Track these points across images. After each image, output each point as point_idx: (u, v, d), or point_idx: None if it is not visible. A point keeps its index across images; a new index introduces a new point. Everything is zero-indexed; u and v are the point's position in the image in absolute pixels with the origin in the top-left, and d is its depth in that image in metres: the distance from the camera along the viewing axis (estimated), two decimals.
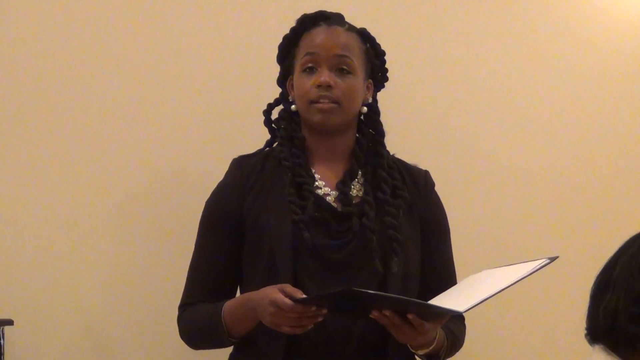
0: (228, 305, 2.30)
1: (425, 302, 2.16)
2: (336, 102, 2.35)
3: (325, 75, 2.34)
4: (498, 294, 2.07)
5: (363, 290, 2.05)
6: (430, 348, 2.24)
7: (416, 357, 2.32)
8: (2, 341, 2.57)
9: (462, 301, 2.09)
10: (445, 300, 2.16)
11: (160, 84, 2.88)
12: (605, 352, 2.01)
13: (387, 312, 2.09)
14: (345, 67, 2.36)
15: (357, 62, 2.38)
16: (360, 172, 2.41)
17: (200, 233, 2.42)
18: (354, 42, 2.40)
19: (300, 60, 2.38)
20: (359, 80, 2.39)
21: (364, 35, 2.43)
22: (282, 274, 2.26)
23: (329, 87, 2.34)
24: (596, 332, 2.04)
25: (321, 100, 2.35)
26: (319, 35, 2.38)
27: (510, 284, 2.08)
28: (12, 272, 2.75)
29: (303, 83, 2.37)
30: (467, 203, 3.09)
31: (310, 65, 2.36)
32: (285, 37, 2.45)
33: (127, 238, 2.83)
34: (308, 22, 2.41)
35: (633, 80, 3.26)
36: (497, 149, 3.16)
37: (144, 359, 2.82)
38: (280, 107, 2.48)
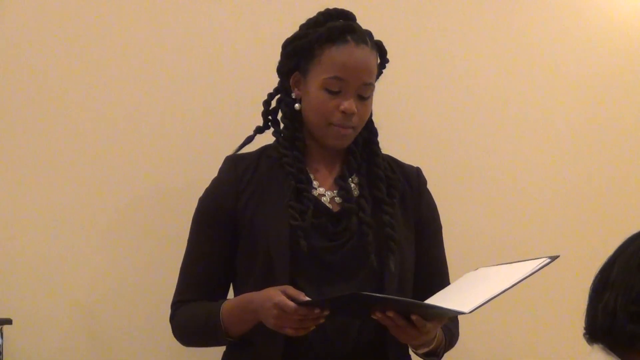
0: (227, 305, 2.29)
1: (431, 304, 2.15)
2: (354, 127, 2.35)
3: (351, 104, 2.32)
4: (501, 294, 2.06)
5: (370, 294, 2.05)
6: (431, 347, 2.25)
7: (414, 355, 2.33)
8: (0, 340, 2.56)
9: (464, 301, 2.08)
10: (445, 299, 2.16)
11: (157, 85, 2.87)
12: (604, 351, 2.02)
13: (390, 314, 2.10)
14: (368, 94, 2.35)
15: (374, 81, 2.37)
16: (355, 171, 2.41)
17: (193, 230, 2.41)
18: (375, 62, 2.37)
19: (323, 76, 2.32)
20: (372, 99, 2.39)
21: (381, 50, 2.41)
22: (280, 277, 2.25)
23: (352, 114, 2.33)
24: (595, 332, 2.04)
25: (343, 126, 2.34)
26: (348, 57, 2.32)
27: (513, 283, 2.07)
28: (11, 271, 2.74)
29: (325, 102, 2.33)
30: (460, 201, 3.09)
31: (336, 89, 2.33)
32: (305, 37, 2.37)
33: (125, 237, 2.83)
34: (335, 33, 2.33)
35: (631, 80, 3.27)
36: (491, 147, 3.16)
37: (142, 357, 2.83)
38: (278, 96, 2.46)
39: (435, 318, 2.14)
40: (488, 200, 3.16)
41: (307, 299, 2.13)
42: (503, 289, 2.06)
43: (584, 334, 2.07)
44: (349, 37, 2.33)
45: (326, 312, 2.12)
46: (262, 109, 2.49)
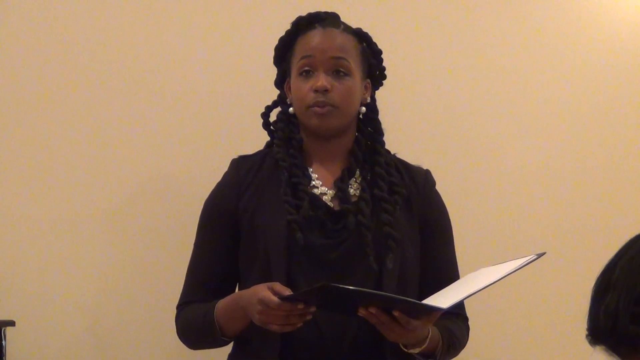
0: (220, 304, 2.31)
1: (407, 298, 2.15)
2: (333, 105, 2.34)
3: (322, 80, 2.34)
4: (484, 289, 2.06)
5: (340, 285, 2.04)
6: (423, 347, 2.22)
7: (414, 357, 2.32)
8: (3, 342, 2.57)
9: (449, 298, 2.09)
10: (439, 298, 2.15)
11: (159, 86, 2.89)
12: (607, 353, 2.00)
13: (372, 310, 2.09)
14: (342, 69, 2.36)
15: (354, 63, 2.37)
16: (358, 171, 2.41)
17: (199, 233, 2.44)
18: (350, 43, 2.39)
19: (296, 63, 2.37)
20: (356, 82, 2.38)
21: (360, 35, 2.43)
22: (276, 274, 2.26)
23: (326, 91, 2.33)
24: (597, 333, 2.02)
25: (319, 105, 2.34)
26: (315, 38, 2.37)
27: (495, 280, 2.08)
28: (14, 273, 2.75)
29: (300, 87, 2.36)
30: (468, 202, 3.09)
31: (306, 68, 2.36)
32: (281, 40, 2.44)
33: (128, 238, 2.84)
34: (303, 25, 2.40)
35: (633, 79, 3.26)
36: (498, 148, 3.16)
37: (145, 359, 2.83)
38: (279, 109, 2.48)
39: (422, 316, 2.13)
40: (497, 202, 3.15)
41: (291, 294, 2.13)
42: (484, 285, 2.06)
43: (587, 336, 2.05)
44: (316, 25, 2.39)
45: (312, 309, 2.11)
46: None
